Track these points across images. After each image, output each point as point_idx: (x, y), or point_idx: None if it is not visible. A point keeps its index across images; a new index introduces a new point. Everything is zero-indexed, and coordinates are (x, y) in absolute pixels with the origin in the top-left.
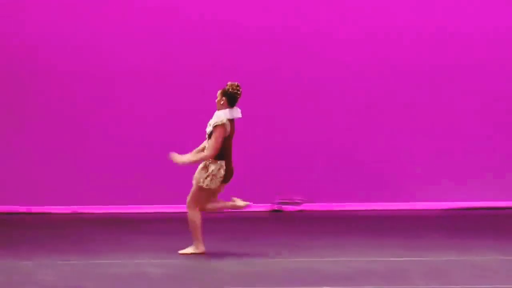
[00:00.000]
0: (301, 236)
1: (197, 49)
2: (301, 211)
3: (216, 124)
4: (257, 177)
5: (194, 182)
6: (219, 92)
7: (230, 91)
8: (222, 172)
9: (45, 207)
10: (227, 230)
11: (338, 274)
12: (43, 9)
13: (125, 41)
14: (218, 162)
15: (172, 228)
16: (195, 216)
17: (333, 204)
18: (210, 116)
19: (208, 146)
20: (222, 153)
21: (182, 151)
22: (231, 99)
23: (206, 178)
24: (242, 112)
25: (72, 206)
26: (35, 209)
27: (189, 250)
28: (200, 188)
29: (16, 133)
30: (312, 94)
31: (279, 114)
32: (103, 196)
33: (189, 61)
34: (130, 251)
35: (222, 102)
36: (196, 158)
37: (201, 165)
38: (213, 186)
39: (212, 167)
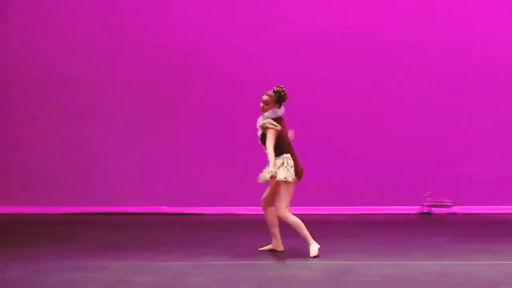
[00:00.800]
0: (451, 239)
1: None
2: (451, 214)
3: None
4: (407, 179)
5: (272, 184)
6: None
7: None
8: (290, 162)
9: (197, 207)
10: (376, 233)
11: (488, 278)
12: (200, 12)
13: (277, 45)
14: (282, 155)
15: (320, 230)
16: (291, 217)
17: (485, 207)
18: None
19: (267, 146)
20: (280, 147)
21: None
22: (280, 100)
23: (280, 170)
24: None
25: (224, 207)
26: (186, 209)
27: (314, 249)
28: (281, 185)
29: (171, 134)
30: (463, 94)
31: (429, 117)
32: (252, 198)
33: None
34: (278, 253)
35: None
36: (271, 163)
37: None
38: (290, 178)
39: (279, 161)
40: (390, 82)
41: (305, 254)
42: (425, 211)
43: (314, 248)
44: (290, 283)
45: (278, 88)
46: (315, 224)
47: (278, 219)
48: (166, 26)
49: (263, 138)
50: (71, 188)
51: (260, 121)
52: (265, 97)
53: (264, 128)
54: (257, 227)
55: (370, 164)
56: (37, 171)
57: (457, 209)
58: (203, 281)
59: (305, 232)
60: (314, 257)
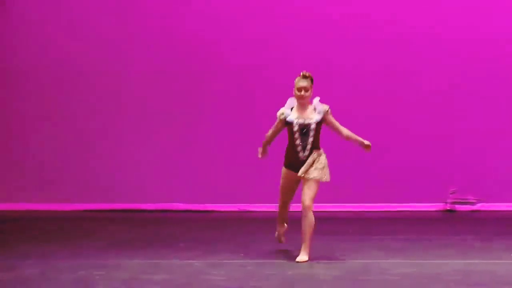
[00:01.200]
0: (476, 237)
1: None
2: (475, 211)
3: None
4: (430, 176)
5: (313, 180)
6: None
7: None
8: (325, 160)
9: (212, 205)
10: (398, 230)
11: None
12: (218, 6)
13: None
14: (321, 150)
15: (339, 228)
16: (312, 215)
17: (510, 204)
18: None
19: (341, 128)
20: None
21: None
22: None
23: (324, 171)
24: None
25: (238, 204)
26: (200, 207)
27: (303, 259)
28: (316, 182)
29: (185, 131)
30: (488, 90)
31: (454, 113)
32: (267, 195)
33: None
34: (295, 252)
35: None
36: (358, 138)
37: (310, 161)
38: (325, 178)
39: (323, 159)
40: (414, 79)
41: (324, 252)
42: (449, 208)
43: (304, 258)
44: (309, 281)
45: (308, 73)
46: (337, 222)
47: (302, 207)
48: (185, 21)
49: (318, 125)
50: (83, 185)
51: (321, 107)
52: (304, 83)
53: (326, 113)
54: (272, 225)
55: (392, 161)
56: (50, 168)
57: (481, 206)
58: (221, 280)
59: (311, 236)
60: (301, 262)
